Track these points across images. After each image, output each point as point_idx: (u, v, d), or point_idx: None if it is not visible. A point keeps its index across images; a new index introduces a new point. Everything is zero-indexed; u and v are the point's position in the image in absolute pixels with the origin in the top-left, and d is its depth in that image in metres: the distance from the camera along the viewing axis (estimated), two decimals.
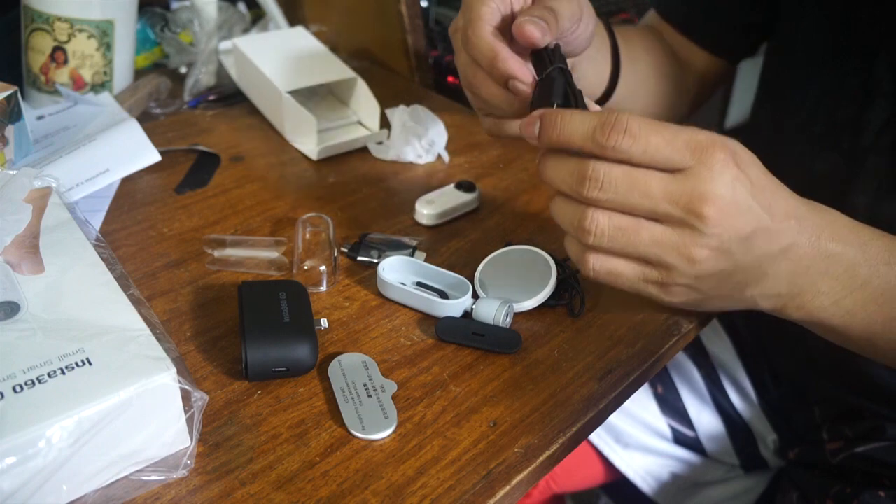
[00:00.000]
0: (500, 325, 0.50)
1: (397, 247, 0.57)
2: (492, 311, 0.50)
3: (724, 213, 0.40)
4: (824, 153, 0.62)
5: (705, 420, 0.78)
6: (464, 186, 0.62)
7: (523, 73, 0.47)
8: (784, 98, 0.68)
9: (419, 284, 0.53)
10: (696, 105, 0.80)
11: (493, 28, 0.48)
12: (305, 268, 0.54)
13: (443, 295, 0.52)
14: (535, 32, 0.47)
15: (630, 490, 0.79)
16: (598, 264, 0.44)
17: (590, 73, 0.63)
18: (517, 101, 0.49)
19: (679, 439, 0.78)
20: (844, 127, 0.60)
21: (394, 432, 0.43)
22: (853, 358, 0.51)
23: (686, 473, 0.78)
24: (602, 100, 0.67)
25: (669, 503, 0.78)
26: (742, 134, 0.73)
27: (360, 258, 0.56)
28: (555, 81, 0.46)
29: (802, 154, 0.64)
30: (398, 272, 0.53)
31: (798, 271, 0.44)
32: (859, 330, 0.46)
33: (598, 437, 0.79)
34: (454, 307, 0.51)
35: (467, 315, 0.51)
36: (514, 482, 0.41)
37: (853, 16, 0.59)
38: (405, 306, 0.52)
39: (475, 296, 0.52)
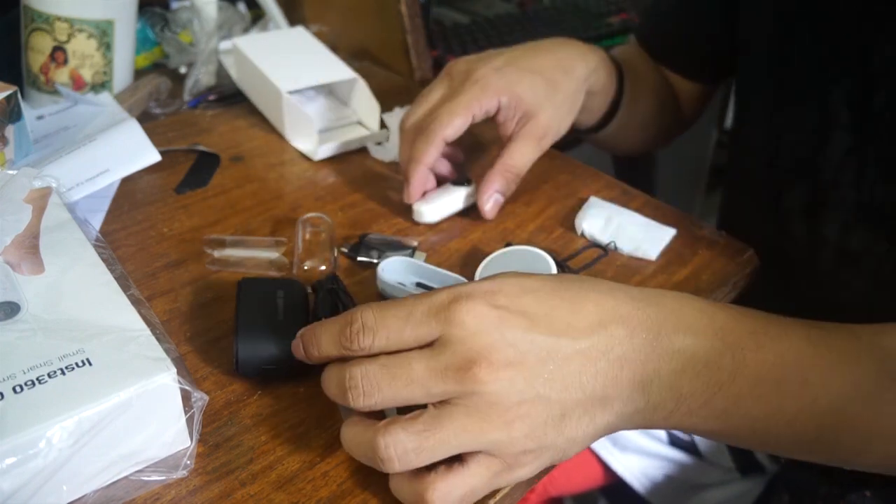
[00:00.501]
0: None
1: (397, 247, 0.57)
2: None
3: (501, 363, 0.35)
4: (792, 188, 0.62)
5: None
6: (459, 181, 0.63)
7: (416, 190, 0.60)
8: (751, 135, 0.69)
9: (419, 285, 0.53)
10: (692, 122, 0.83)
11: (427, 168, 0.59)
12: (305, 268, 0.54)
13: None
14: (490, 215, 0.61)
15: (627, 493, 0.79)
16: (440, 496, 0.36)
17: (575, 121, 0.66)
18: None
19: (675, 442, 0.78)
20: (807, 162, 0.60)
21: None
22: None
23: (683, 476, 0.78)
24: (584, 133, 0.72)
25: None
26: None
27: (359, 258, 0.56)
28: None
29: (773, 189, 0.64)
30: (398, 273, 0.53)
31: (646, 380, 0.37)
32: (740, 429, 0.40)
33: None
34: None
35: None
36: (512, 485, 0.41)
37: (805, 54, 0.60)
38: None
39: None
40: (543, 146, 0.60)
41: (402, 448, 0.35)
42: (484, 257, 0.55)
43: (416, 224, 0.61)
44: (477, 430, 0.35)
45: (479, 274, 0.54)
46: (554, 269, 0.52)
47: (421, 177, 0.58)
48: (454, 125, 0.58)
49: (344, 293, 0.50)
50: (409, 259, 0.54)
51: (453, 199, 0.61)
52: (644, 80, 0.75)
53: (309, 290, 0.51)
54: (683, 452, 0.78)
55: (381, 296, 0.53)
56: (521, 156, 0.59)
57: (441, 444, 0.35)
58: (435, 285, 0.53)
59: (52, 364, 0.38)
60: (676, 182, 1.51)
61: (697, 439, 0.78)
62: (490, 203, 0.59)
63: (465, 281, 0.52)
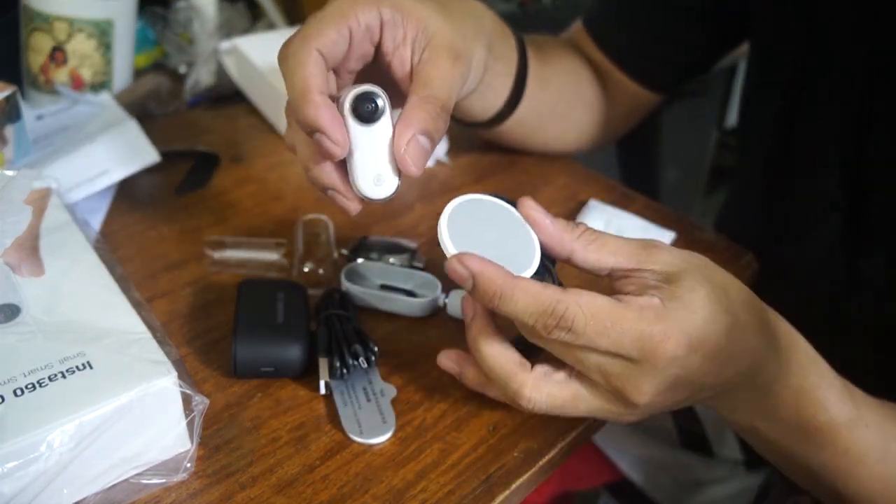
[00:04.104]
0: None
1: (396, 249, 0.57)
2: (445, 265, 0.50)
3: (663, 390, 0.38)
4: (782, 258, 0.63)
5: (712, 413, 0.78)
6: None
7: (335, 130, 0.40)
8: (751, 200, 0.69)
9: (383, 287, 0.53)
10: (625, 130, 0.75)
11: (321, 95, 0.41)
12: (305, 270, 0.54)
13: (411, 295, 0.53)
14: (412, 169, 0.41)
15: (632, 489, 0.79)
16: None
17: (475, 104, 0.58)
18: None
19: (684, 434, 0.78)
20: (802, 237, 0.61)
21: (393, 436, 0.43)
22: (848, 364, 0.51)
23: (687, 472, 0.79)
24: (491, 123, 0.62)
25: (670, 502, 0.79)
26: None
27: (359, 260, 0.56)
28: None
29: (765, 253, 0.64)
30: (364, 278, 0.53)
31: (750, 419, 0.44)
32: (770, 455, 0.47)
33: (599, 434, 0.79)
34: (423, 305, 0.51)
35: (440, 310, 0.52)
36: (513, 486, 0.41)
37: (799, 136, 0.60)
38: (380, 310, 0.52)
39: (446, 290, 0.53)
40: (462, 70, 0.45)
41: (541, 406, 0.39)
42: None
43: (416, 226, 0.61)
44: (614, 414, 0.40)
45: (445, 224, 0.39)
46: (537, 246, 0.41)
47: (326, 109, 0.40)
48: (325, 34, 0.42)
49: (345, 320, 0.48)
50: (373, 263, 0.54)
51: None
52: (559, 65, 0.66)
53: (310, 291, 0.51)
54: (689, 448, 0.78)
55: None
56: (439, 80, 0.43)
57: (576, 413, 0.40)
58: (400, 286, 0.53)
59: (52, 367, 0.38)
60: (676, 182, 1.51)
61: (708, 431, 0.78)
62: (412, 149, 0.41)
63: (434, 279, 0.52)
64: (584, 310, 0.36)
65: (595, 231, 0.40)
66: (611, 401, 0.39)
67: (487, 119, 0.61)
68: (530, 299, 0.37)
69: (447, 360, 0.45)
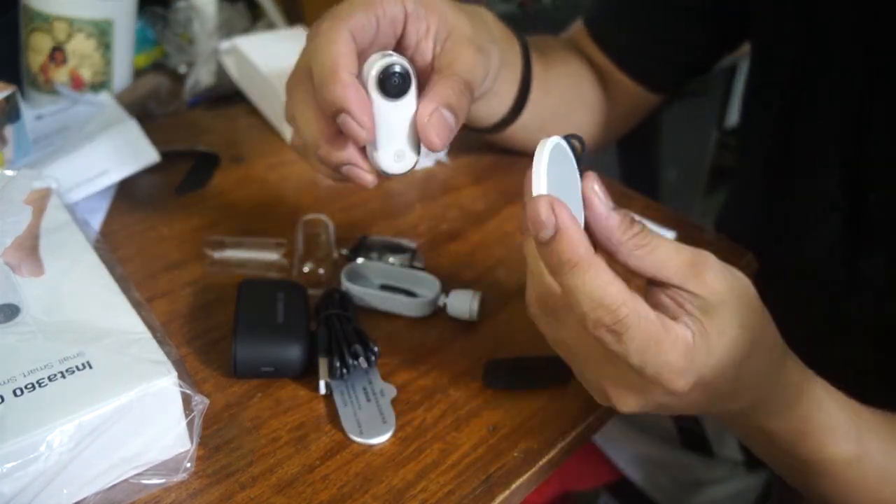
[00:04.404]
0: (473, 316, 0.51)
1: (396, 249, 0.57)
2: (465, 304, 0.50)
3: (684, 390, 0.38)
4: (782, 258, 0.63)
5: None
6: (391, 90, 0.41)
7: (362, 112, 0.39)
8: (751, 200, 0.69)
9: (383, 287, 0.53)
10: (625, 130, 0.75)
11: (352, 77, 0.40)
12: (305, 270, 0.54)
13: (410, 295, 0.53)
14: (436, 142, 0.40)
15: (631, 490, 0.79)
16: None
17: (480, 110, 0.58)
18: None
19: (684, 434, 0.78)
20: (802, 237, 0.61)
21: (393, 436, 0.43)
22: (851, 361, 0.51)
23: (687, 472, 0.79)
24: (495, 129, 0.63)
25: (670, 502, 0.79)
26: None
27: (359, 260, 0.56)
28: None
29: (765, 253, 0.64)
30: (364, 278, 0.53)
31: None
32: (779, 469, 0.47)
33: (598, 434, 0.79)
34: (423, 305, 0.51)
35: (440, 310, 0.52)
36: (513, 486, 0.41)
37: (799, 137, 0.60)
38: (380, 310, 0.52)
39: (446, 290, 0.53)
40: (483, 61, 0.45)
41: (619, 404, 0.38)
42: (485, 259, 0.53)
43: (417, 226, 0.61)
44: (652, 406, 0.39)
45: (543, 160, 0.35)
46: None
47: (355, 91, 0.39)
48: (356, 17, 0.41)
49: (345, 320, 0.48)
50: (372, 263, 0.54)
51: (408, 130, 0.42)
52: (560, 68, 0.66)
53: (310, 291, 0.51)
54: (689, 448, 0.78)
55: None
56: (463, 63, 0.43)
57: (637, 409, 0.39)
58: (400, 286, 0.53)
59: (52, 367, 0.38)
60: (676, 182, 1.51)
61: (708, 433, 0.78)
62: (435, 121, 0.40)
63: (433, 278, 0.53)
64: (641, 323, 0.34)
65: (647, 236, 0.36)
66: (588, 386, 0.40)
67: (492, 125, 0.61)
68: (601, 286, 0.34)
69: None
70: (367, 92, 0.40)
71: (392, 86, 0.39)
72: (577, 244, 0.34)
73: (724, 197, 0.81)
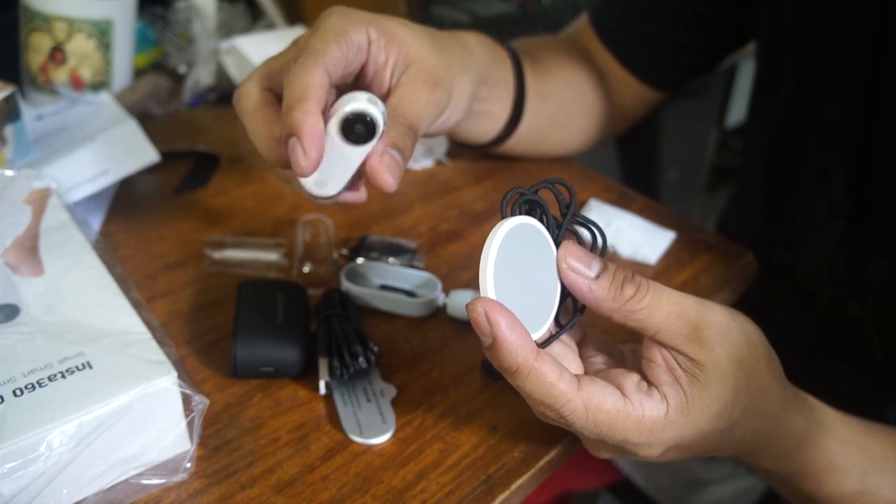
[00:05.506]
0: None
1: (396, 249, 0.57)
2: (465, 304, 0.50)
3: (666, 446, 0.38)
4: (785, 260, 0.63)
5: None
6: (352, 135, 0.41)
7: (313, 144, 0.39)
8: (754, 201, 0.69)
9: (383, 287, 0.53)
10: (627, 126, 0.75)
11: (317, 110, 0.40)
12: (305, 270, 0.54)
13: (410, 295, 0.53)
14: (390, 181, 0.41)
15: (632, 490, 0.79)
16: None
17: (474, 130, 0.59)
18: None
19: None
20: (805, 240, 0.61)
21: (393, 436, 0.43)
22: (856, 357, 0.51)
23: (687, 472, 0.79)
24: (493, 144, 0.63)
25: (670, 502, 0.79)
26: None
27: (359, 260, 0.56)
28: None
29: (768, 254, 0.65)
30: (364, 278, 0.53)
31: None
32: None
33: None
34: (423, 305, 0.51)
35: (440, 310, 0.52)
36: (513, 487, 0.41)
37: (804, 139, 0.60)
38: (380, 311, 0.52)
39: (446, 290, 0.53)
40: (439, 97, 0.45)
41: (581, 432, 0.37)
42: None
43: (416, 226, 0.61)
44: (638, 454, 0.38)
45: (491, 265, 0.35)
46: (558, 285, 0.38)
47: (314, 125, 0.39)
48: (331, 52, 0.42)
49: (344, 320, 0.48)
50: (372, 264, 0.54)
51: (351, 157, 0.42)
52: (558, 74, 0.66)
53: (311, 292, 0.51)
54: None
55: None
56: (410, 103, 0.43)
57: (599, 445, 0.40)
58: (400, 286, 0.53)
59: (52, 367, 0.38)
60: (676, 182, 1.51)
61: None
62: (386, 160, 0.41)
63: (434, 278, 0.52)
64: (589, 415, 0.35)
65: (644, 298, 0.36)
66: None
67: (489, 141, 0.63)
68: (542, 388, 0.34)
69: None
70: (326, 124, 0.40)
71: (353, 132, 0.40)
72: (514, 354, 0.34)
73: (726, 197, 0.81)
